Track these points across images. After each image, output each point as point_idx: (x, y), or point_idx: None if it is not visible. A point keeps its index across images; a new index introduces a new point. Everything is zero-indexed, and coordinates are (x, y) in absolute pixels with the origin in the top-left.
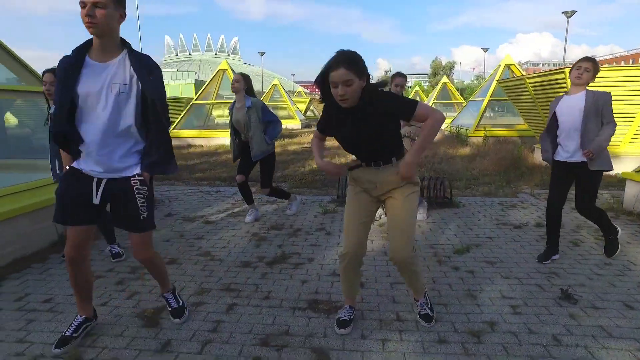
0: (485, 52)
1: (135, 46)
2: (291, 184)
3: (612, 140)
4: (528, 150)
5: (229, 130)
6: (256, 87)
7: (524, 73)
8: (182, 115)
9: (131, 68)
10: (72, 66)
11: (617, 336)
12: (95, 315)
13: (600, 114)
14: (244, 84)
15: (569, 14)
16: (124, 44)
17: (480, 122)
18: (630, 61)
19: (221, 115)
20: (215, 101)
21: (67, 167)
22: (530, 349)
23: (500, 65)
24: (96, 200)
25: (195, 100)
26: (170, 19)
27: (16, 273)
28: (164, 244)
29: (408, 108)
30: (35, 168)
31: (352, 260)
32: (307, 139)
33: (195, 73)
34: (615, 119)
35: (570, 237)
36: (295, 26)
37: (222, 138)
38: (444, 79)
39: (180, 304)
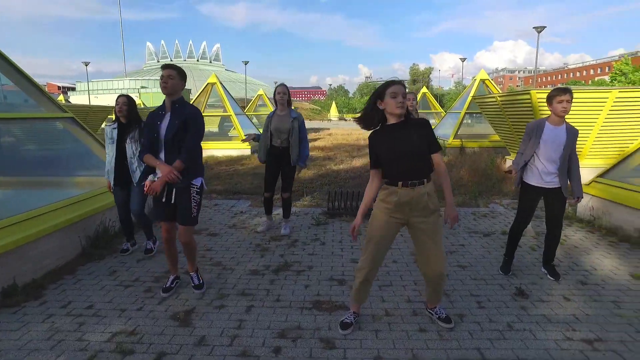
0: (463, 61)
1: (118, 52)
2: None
3: None
4: (501, 161)
5: (223, 140)
6: (240, 94)
7: (498, 89)
8: None
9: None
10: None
11: (555, 322)
12: (179, 277)
13: (570, 147)
14: (288, 96)
15: (539, 29)
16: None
17: (458, 133)
18: (599, 70)
19: (210, 125)
20: (206, 113)
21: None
22: (489, 334)
23: (475, 79)
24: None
25: None
26: (151, 24)
27: (53, 284)
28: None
29: (437, 146)
30: (62, 185)
31: (370, 276)
32: None
33: None
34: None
35: (530, 243)
36: (279, 33)
37: (212, 150)
38: (424, 89)
39: (201, 282)
